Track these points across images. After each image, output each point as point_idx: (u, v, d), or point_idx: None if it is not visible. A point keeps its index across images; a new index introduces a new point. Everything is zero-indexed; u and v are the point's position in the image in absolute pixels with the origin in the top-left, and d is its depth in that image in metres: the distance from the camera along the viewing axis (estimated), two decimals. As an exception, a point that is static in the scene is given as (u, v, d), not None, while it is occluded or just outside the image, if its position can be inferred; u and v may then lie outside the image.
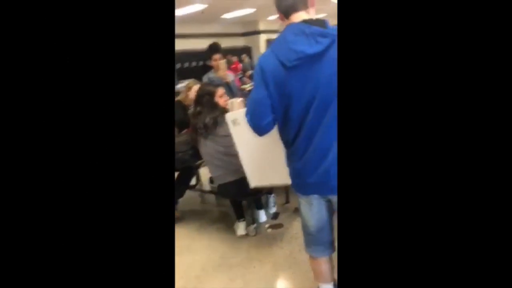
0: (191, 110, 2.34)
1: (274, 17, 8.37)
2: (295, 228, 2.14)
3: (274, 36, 9.42)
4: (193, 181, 2.69)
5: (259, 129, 1.11)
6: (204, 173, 2.72)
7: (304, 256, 1.45)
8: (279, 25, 1.12)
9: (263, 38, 8.95)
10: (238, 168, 1.82)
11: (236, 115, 1.59)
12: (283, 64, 0.99)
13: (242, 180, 1.81)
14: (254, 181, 1.74)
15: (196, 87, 2.28)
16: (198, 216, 2.56)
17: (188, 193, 2.65)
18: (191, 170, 2.53)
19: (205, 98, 1.99)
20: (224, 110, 1.85)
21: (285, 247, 1.98)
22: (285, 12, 1.04)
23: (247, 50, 8.56)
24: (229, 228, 2.26)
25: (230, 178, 1.91)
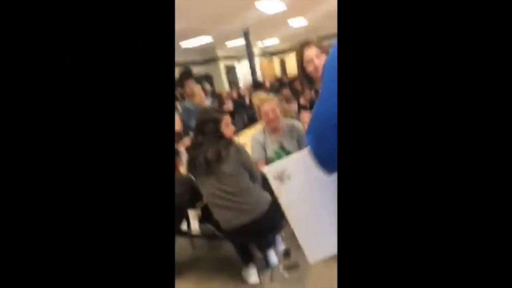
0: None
1: (233, 43, 8.40)
2: (316, 267, 1.88)
3: (233, 62, 9.43)
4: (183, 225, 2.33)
5: (332, 159, 0.68)
6: (192, 213, 2.38)
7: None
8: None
9: (222, 64, 8.88)
10: (252, 207, 1.56)
11: (284, 166, 1.02)
12: None
13: (258, 220, 1.55)
14: (313, 256, 1.17)
15: None
16: (193, 266, 2.19)
17: (177, 241, 2.29)
18: (182, 212, 2.17)
19: (209, 127, 1.57)
20: (230, 142, 1.59)
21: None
22: None
23: (208, 78, 8.41)
24: (236, 276, 1.94)
25: (242, 221, 1.56)
